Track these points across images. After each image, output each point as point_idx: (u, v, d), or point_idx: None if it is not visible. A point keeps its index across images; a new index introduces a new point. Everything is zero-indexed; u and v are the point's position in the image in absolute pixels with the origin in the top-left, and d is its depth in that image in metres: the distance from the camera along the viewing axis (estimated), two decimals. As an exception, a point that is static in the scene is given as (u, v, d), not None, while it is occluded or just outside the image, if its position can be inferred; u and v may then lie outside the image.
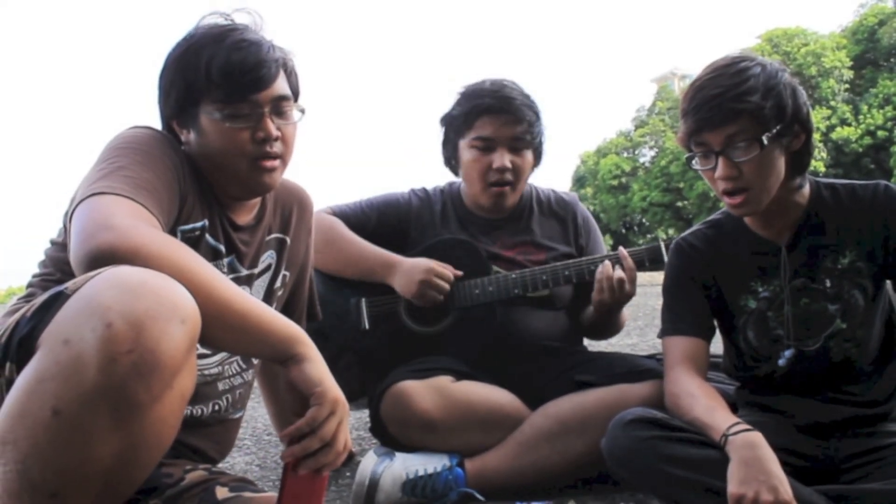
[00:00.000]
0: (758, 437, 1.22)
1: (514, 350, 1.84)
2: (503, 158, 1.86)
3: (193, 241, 1.20)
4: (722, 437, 1.24)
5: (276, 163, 1.24)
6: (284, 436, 0.99)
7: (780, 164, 1.35)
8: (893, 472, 1.27)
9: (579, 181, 32.90)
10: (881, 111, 24.94)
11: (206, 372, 1.26)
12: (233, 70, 1.17)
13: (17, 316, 0.89)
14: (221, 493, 1.14)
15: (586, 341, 2.06)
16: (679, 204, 28.26)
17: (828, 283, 1.42)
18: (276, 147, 1.23)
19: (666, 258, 1.74)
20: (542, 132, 1.93)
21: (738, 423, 1.25)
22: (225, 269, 1.27)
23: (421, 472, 1.58)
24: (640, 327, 4.52)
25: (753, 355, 1.48)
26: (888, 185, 1.43)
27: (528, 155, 1.90)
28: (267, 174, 1.23)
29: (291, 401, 1.02)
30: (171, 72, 1.22)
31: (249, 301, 0.98)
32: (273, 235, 1.39)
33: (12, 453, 0.78)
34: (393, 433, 1.67)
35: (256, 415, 2.59)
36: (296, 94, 1.29)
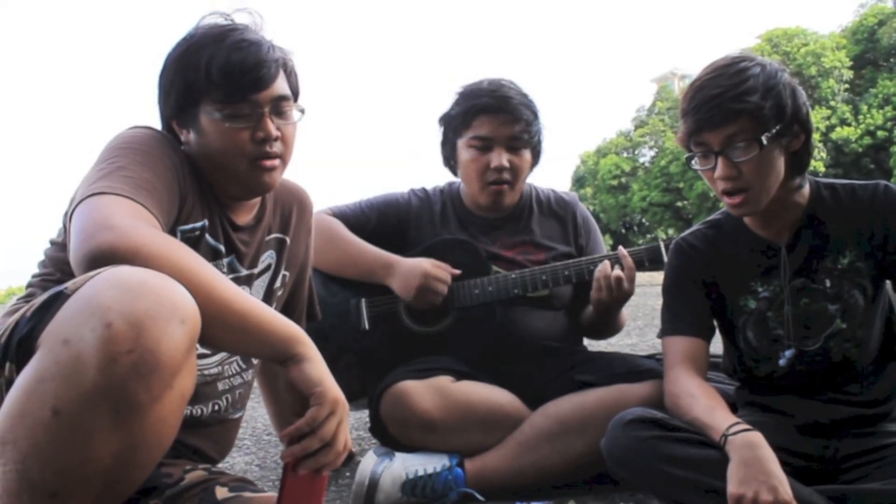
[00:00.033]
0: (757, 437, 1.22)
1: (514, 350, 1.84)
2: (501, 158, 1.86)
3: (193, 241, 1.20)
4: (722, 437, 1.24)
5: (276, 162, 1.24)
6: (284, 436, 0.99)
7: (780, 164, 1.35)
8: (893, 472, 1.27)
9: (579, 181, 32.91)
10: (881, 111, 24.95)
11: (205, 372, 1.26)
12: (233, 70, 1.17)
13: (16, 316, 0.89)
14: (221, 492, 1.14)
15: (586, 341, 2.06)
16: (679, 204, 28.26)
17: (827, 283, 1.42)
18: (276, 147, 1.23)
19: (665, 258, 1.74)
20: (541, 131, 1.93)
21: (737, 423, 1.25)
22: (225, 269, 1.27)
23: (421, 472, 1.59)
24: (640, 327, 4.53)
25: (753, 355, 1.48)
26: (888, 185, 1.43)
27: (526, 154, 1.90)
28: (267, 174, 1.23)
29: (291, 401, 1.02)
30: (170, 72, 1.22)
31: (249, 301, 0.98)
32: (273, 235, 1.39)
33: (12, 453, 0.78)
34: (393, 433, 1.67)
35: (256, 415, 2.59)
36: (296, 94, 1.29)
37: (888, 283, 1.44)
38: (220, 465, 1.35)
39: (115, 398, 0.79)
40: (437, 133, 2.00)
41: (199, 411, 1.25)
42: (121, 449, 0.81)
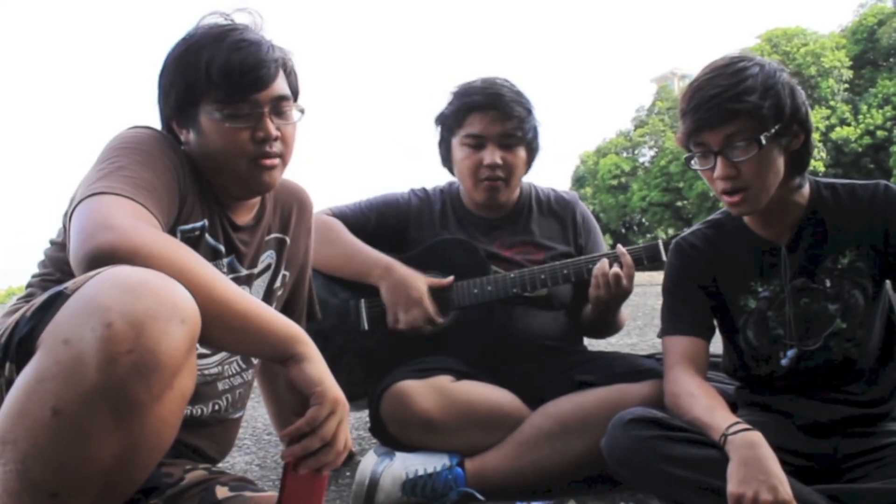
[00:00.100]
0: (757, 436, 1.22)
1: (514, 350, 1.84)
2: (493, 155, 1.86)
3: (193, 241, 1.20)
4: (722, 437, 1.24)
5: (276, 162, 1.24)
6: (284, 435, 0.99)
7: (779, 163, 1.36)
8: (893, 472, 1.27)
9: (579, 181, 32.91)
10: (880, 111, 24.95)
11: (206, 372, 1.26)
12: (232, 70, 1.17)
13: (16, 316, 0.89)
14: (221, 492, 1.14)
15: (586, 341, 2.06)
16: (679, 204, 28.26)
17: (828, 283, 1.42)
18: (276, 147, 1.23)
19: (664, 257, 1.74)
20: (535, 128, 1.92)
21: (737, 423, 1.25)
22: (224, 269, 1.27)
23: (421, 472, 1.59)
24: (640, 327, 4.53)
25: (753, 355, 1.48)
26: (888, 184, 1.43)
27: (520, 151, 1.90)
28: (267, 173, 1.23)
29: (291, 400, 1.02)
30: (170, 72, 1.22)
31: (249, 301, 0.98)
32: (273, 235, 1.39)
33: (12, 453, 0.78)
34: (393, 433, 1.67)
35: (256, 414, 2.59)
36: (295, 93, 1.29)
37: (888, 282, 1.44)
38: (220, 465, 1.35)
39: (116, 398, 0.79)
40: (435, 133, 2.01)
41: (200, 411, 1.25)
42: (121, 449, 0.81)
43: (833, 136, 25.16)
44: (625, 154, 31.39)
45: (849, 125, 25.34)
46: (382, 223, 1.98)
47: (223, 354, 1.29)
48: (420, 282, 1.82)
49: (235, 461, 2.05)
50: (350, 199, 2.04)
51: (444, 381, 1.69)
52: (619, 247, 1.81)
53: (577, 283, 1.88)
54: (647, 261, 1.82)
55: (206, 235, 1.23)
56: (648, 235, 29.46)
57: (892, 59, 26.39)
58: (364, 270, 1.87)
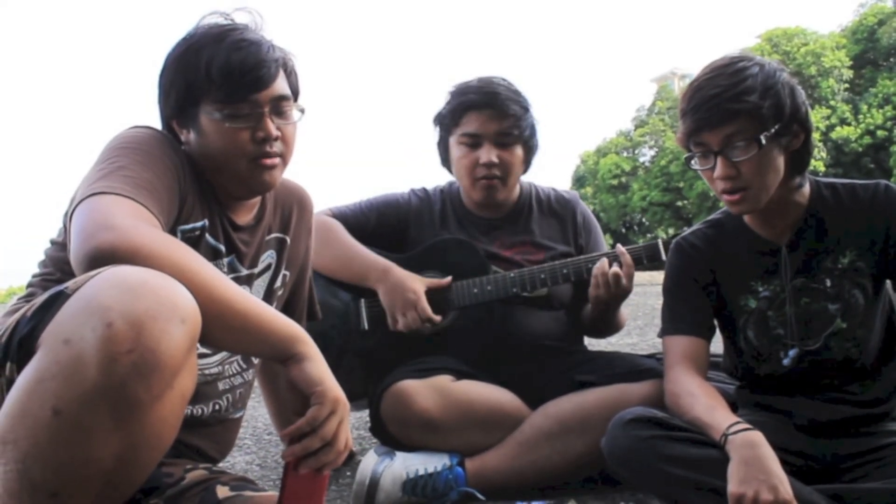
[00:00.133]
0: (758, 436, 1.22)
1: (514, 350, 1.84)
2: (490, 154, 1.86)
3: (193, 241, 1.20)
4: (722, 437, 1.24)
5: (276, 161, 1.24)
6: (285, 435, 0.99)
7: (779, 163, 1.35)
8: (893, 472, 1.27)
9: (579, 181, 32.91)
10: (881, 111, 24.94)
11: (206, 371, 1.26)
12: (233, 70, 1.17)
13: (17, 316, 0.89)
14: (222, 492, 1.15)
15: (586, 341, 2.06)
16: (679, 203, 28.26)
17: (828, 283, 1.42)
18: (276, 147, 1.23)
19: (664, 256, 1.74)
20: (532, 126, 1.92)
21: (738, 423, 1.25)
22: (225, 269, 1.27)
23: (421, 472, 1.59)
24: (640, 327, 4.53)
25: (754, 355, 1.48)
26: (888, 184, 1.43)
27: (517, 150, 1.90)
28: (267, 172, 1.23)
29: (292, 400, 1.02)
30: (170, 72, 1.22)
31: (250, 300, 0.98)
32: (273, 235, 1.39)
33: (13, 453, 0.78)
34: (393, 433, 1.67)
35: (257, 414, 2.59)
36: (296, 93, 1.29)
37: (888, 282, 1.44)
38: (220, 465, 1.35)
39: (116, 398, 0.79)
40: (434, 133, 2.01)
41: (200, 411, 1.25)
42: (121, 448, 0.81)
43: (833, 135, 25.16)
44: (625, 154, 31.40)
45: (849, 125, 25.34)
46: (382, 223, 1.98)
47: (224, 354, 1.29)
48: (417, 283, 1.82)
49: (236, 461, 2.06)
50: (350, 199, 2.04)
51: (445, 380, 1.69)
52: (619, 246, 1.81)
53: (576, 283, 1.88)
54: (646, 260, 1.82)
55: (207, 235, 1.23)
56: (649, 235, 29.46)
57: (892, 59, 26.38)
58: (362, 273, 1.87)
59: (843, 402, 1.40)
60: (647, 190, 28.94)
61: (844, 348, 1.41)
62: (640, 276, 1.82)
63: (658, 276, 1.68)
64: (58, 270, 1.14)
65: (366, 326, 1.90)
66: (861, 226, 1.41)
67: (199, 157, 1.23)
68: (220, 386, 1.29)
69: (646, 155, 30.95)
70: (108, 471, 0.80)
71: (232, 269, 1.28)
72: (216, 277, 0.95)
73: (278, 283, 1.40)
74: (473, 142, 1.88)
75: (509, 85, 1.91)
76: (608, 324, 1.95)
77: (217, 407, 1.29)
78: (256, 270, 1.34)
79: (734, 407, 1.49)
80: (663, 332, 1.52)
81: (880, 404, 1.40)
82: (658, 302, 1.64)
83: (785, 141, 1.35)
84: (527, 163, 1.96)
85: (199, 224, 1.21)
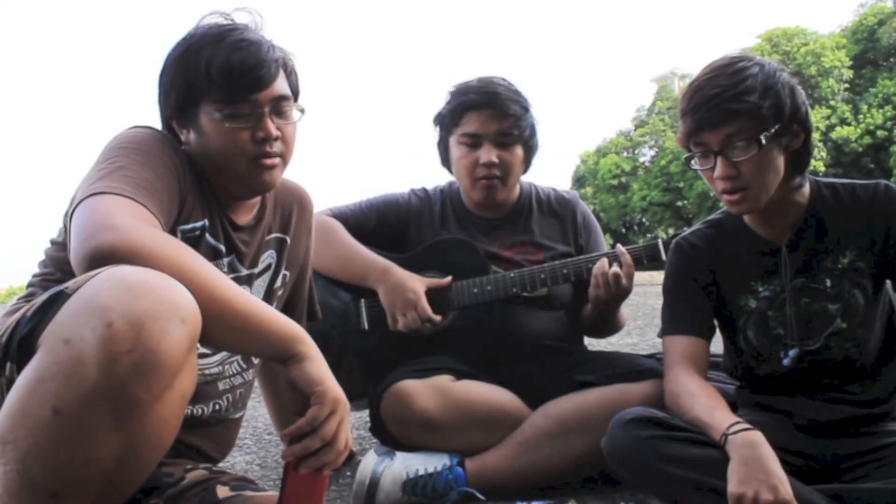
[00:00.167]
0: (758, 436, 1.22)
1: (514, 350, 1.84)
2: (490, 154, 1.86)
3: (193, 241, 1.20)
4: (722, 437, 1.24)
5: (276, 161, 1.24)
6: (285, 435, 0.99)
7: (779, 163, 1.36)
8: (893, 472, 1.27)
9: (579, 181, 32.92)
10: (881, 111, 24.94)
11: (206, 371, 1.26)
12: (233, 70, 1.17)
13: (17, 316, 0.89)
14: (222, 492, 1.15)
15: (587, 341, 2.06)
16: (679, 203, 28.26)
17: (828, 283, 1.42)
18: (276, 147, 1.23)
19: (664, 256, 1.74)
20: (532, 126, 1.92)
21: (738, 423, 1.25)
22: (225, 269, 1.27)
23: (421, 472, 1.59)
24: (640, 327, 4.53)
25: (754, 355, 1.48)
26: (889, 184, 1.43)
27: (517, 150, 1.90)
28: (267, 172, 1.23)
29: (292, 400, 1.02)
30: (171, 72, 1.22)
31: (250, 300, 0.98)
32: (273, 235, 1.39)
33: (13, 453, 0.78)
34: (393, 432, 1.67)
35: (257, 414, 2.59)
36: (296, 93, 1.29)
37: (888, 282, 1.44)
38: (220, 465, 1.35)
39: (116, 398, 0.79)
40: (434, 133, 2.00)
41: (200, 411, 1.25)
42: (121, 448, 0.81)
43: (833, 135, 25.16)
44: (625, 154, 31.40)
45: (849, 125, 25.34)
46: (382, 223, 1.98)
47: (224, 354, 1.29)
48: (417, 283, 1.82)
49: (236, 461, 2.06)
50: (350, 199, 2.04)
51: (445, 380, 1.69)
52: (619, 246, 1.81)
53: (576, 283, 1.88)
54: (646, 260, 1.82)
55: (207, 235, 1.23)
56: (649, 235, 29.47)
57: (892, 59, 26.38)
58: (361, 273, 1.87)
59: (843, 402, 1.40)
60: (647, 190, 28.94)
61: (844, 348, 1.41)
62: (640, 276, 1.82)
63: (658, 276, 1.68)
64: (58, 270, 1.14)
65: (366, 326, 1.90)
66: (861, 226, 1.41)
67: (199, 157, 1.23)
68: (221, 386, 1.29)
69: (646, 155, 30.95)
70: (108, 471, 0.80)
71: (232, 269, 1.28)
72: (216, 277, 0.95)
73: (278, 283, 1.40)
74: (473, 142, 1.88)
75: (509, 85, 1.91)
76: (608, 324, 1.95)
77: (217, 407, 1.29)
78: (256, 270, 1.34)
79: (734, 407, 1.49)
80: (663, 332, 1.52)
81: (880, 404, 1.40)
82: (658, 302, 1.64)
83: (785, 141, 1.35)
84: (527, 163, 1.96)
85: (199, 224, 1.21)
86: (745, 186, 1.34)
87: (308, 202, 1.48)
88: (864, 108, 25.31)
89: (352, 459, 1.91)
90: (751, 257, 1.47)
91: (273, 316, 0.99)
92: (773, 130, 1.31)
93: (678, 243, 1.56)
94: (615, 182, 30.36)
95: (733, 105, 1.30)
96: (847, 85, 26.16)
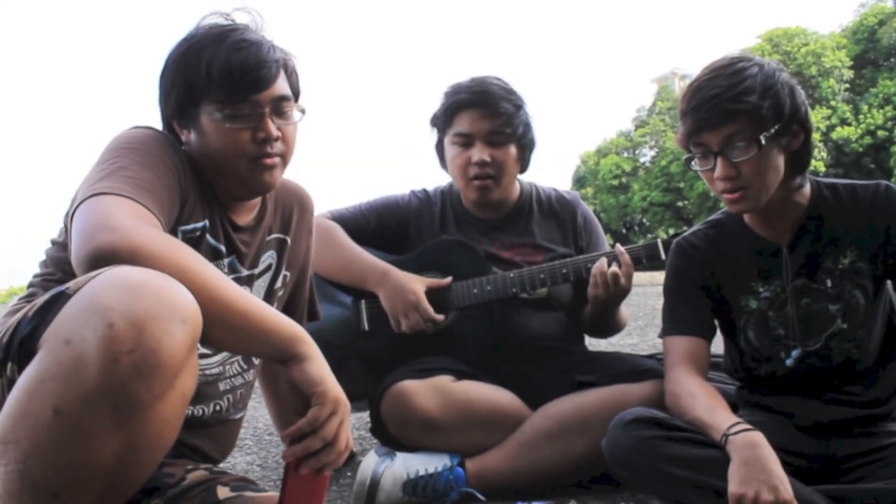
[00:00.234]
0: (758, 436, 1.22)
1: (514, 350, 1.84)
2: (482, 153, 1.85)
3: (194, 242, 1.20)
4: (722, 437, 1.24)
5: (277, 161, 1.24)
6: (286, 435, 0.99)
7: (779, 163, 1.36)
8: (894, 473, 1.27)
9: (580, 181, 32.92)
10: (881, 111, 24.94)
11: (207, 372, 1.26)
12: (233, 70, 1.17)
13: (18, 316, 0.89)
14: (223, 492, 1.15)
15: (587, 341, 2.06)
16: (679, 204, 28.27)
17: (828, 284, 1.42)
18: (277, 147, 1.23)
19: (663, 256, 1.74)
20: (526, 124, 1.91)
21: (738, 423, 1.25)
22: (225, 270, 1.27)
23: (422, 472, 1.59)
24: (641, 327, 4.52)
25: (754, 355, 1.48)
26: (889, 185, 1.43)
27: (511, 149, 1.89)
28: (267, 172, 1.23)
29: (293, 400, 1.02)
30: (171, 72, 1.22)
31: (251, 301, 0.98)
32: (273, 235, 1.39)
33: (14, 453, 0.78)
34: (393, 433, 1.67)
35: (258, 415, 2.59)
36: (296, 94, 1.29)
37: (889, 283, 1.44)
38: (221, 465, 1.35)
39: (117, 398, 0.79)
40: (432, 135, 2.00)
41: (201, 411, 1.25)
42: (122, 449, 0.81)
43: (834, 136, 25.16)
44: (625, 154, 31.41)
45: (849, 125, 25.34)
46: (382, 225, 1.98)
47: (224, 354, 1.29)
48: (417, 284, 1.82)
49: (237, 461, 2.06)
50: (350, 199, 2.04)
51: (445, 381, 1.69)
52: (618, 246, 1.82)
53: (576, 283, 1.88)
54: (646, 260, 1.82)
55: (207, 236, 1.23)
56: (649, 235, 29.45)
57: (892, 59, 26.38)
58: (361, 277, 1.87)
59: (843, 402, 1.40)
60: (647, 190, 28.95)
61: (845, 349, 1.41)
62: (641, 276, 1.82)
63: (658, 277, 1.68)
64: (59, 271, 1.14)
65: (366, 327, 1.90)
66: (862, 226, 1.41)
67: (199, 157, 1.23)
68: (221, 386, 1.29)
69: (646, 155, 30.96)
70: (109, 471, 0.80)
71: (232, 270, 1.28)
72: (217, 278, 0.95)
73: (279, 283, 1.40)
74: (465, 141, 1.87)
75: (502, 83, 1.90)
76: (608, 324, 1.95)
77: (218, 407, 1.29)
78: (257, 271, 1.34)
79: (735, 407, 1.49)
80: (664, 333, 1.52)
81: (881, 405, 1.40)
82: (658, 302, 1.64)
83: (785, 141, 1.35)
84: (522, 161, 1.94)
85: (199, 224, 1.21)
86: (745, 186, 1.34)
87: (309, 202, 1.48)
88: (865, 108, 25.31)
89: (352, 460, 1.91)
90: (751, 258, 1.47)
91: (273, 316, 0.99)
92: (772, 131, 1.32)
93: (678, 244, 1.56)
94: (616, 182, 30.36)
95: (733, 105, 1.30)
96: (847, 85, 26.16)
